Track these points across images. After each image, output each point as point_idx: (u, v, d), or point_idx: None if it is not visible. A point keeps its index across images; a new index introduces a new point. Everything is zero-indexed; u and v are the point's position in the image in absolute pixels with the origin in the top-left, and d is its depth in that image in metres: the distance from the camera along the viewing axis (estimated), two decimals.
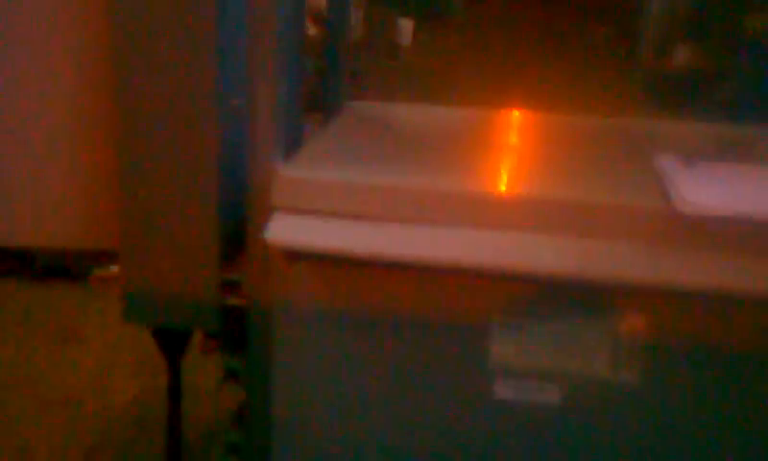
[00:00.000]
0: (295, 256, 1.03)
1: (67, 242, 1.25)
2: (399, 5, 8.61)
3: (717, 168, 1.05)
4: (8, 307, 3.31)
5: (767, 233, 0.91)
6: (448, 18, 10.22)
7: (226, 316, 1.13)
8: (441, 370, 1.05)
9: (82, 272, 3.50)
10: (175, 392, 1.26)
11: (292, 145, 1.12)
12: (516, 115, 1.47)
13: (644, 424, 1.02)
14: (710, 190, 0.95)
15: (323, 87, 1.38)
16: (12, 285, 3.49)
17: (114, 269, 1.16)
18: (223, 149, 1.08)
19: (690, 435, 1.01)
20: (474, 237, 0.97)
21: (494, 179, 1.08)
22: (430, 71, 7.43)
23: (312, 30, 6.43)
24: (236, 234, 1.09)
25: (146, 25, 1.02)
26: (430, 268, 0.99)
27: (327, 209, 1.00)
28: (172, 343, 1.23)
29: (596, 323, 0.99)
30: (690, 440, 1.01)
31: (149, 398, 2.52)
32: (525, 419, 1.04)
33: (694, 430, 1.01)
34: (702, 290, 0.93)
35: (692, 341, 0.98)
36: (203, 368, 1.58)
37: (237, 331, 1.14)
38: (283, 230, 1.00)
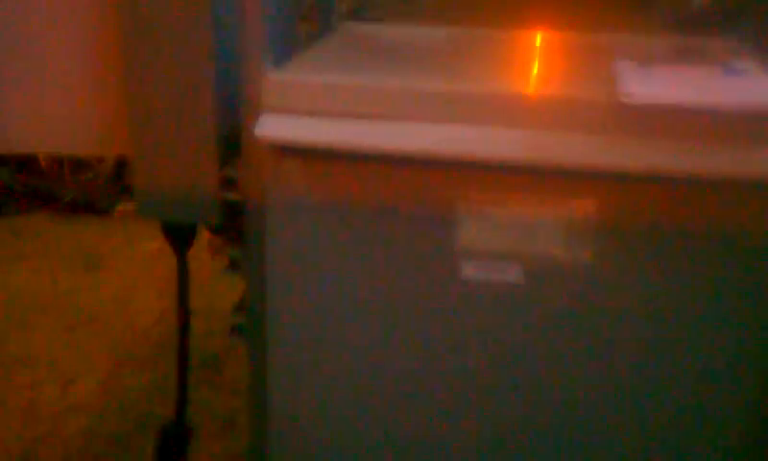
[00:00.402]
0: (283, 152, 1.15)
1: (85, 149, 1.38)
2: None
3: (669, 69, 1.14)
4: (37, 239, 3.48)
5: (705, 121, 1.00)
6: None
7: (225, 210, 1.26)
8: (415, 254, 1.17)
9: (106, 206, 3.68)
10: (183, 280, 1.40)
11: (284, 54, 1.23)
12: (500, 33, 1.56)
13: (598, 299, 1.13)
14: (656, 85, 1.05)
15: (318, 5, 1.47)
16: (41, 219, 3.67)
17: None
18: (219, 57, 1.19)
19: (639, 309, 1.13)
20: (444, 131, 1.08)
21: (465, 80, 1.18)
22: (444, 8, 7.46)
23: None
24: (234, 136, 1.21)
25: None
26: (404, 159, 1.10)
27: (313, 109, 1.11)
28: (179, 236, 1.37)
29: (553, 207, 1.10)
30: (639, 313, 1.13)
31: (171, 319, 2.67)
32: (490, 298, 1.16)
33: (643, 304, 1.12)
34: (645, 174, 1.03)
35: (638, 222, 1.09)
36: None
37: (237, 225, 1.27)
38: (271, 128, 1.11)
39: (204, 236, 1.61)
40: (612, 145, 1.03)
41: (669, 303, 1.11)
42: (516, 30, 1.55)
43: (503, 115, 1.07)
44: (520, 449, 1.22)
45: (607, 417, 1.18)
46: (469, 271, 1.16)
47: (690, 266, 1.10)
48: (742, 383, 1.13)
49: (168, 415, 1.55)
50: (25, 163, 3.61)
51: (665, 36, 1.39)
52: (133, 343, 2.68)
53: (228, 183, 1.25)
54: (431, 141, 1.08)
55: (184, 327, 1.43)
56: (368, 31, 1.56)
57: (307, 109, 1.11)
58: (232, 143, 1.22)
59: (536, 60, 1.36)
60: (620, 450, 1.19)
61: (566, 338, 1.16)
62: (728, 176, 1.02)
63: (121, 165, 3.44)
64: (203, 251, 1.54)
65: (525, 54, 1.41)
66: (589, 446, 1.20)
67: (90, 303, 2.99)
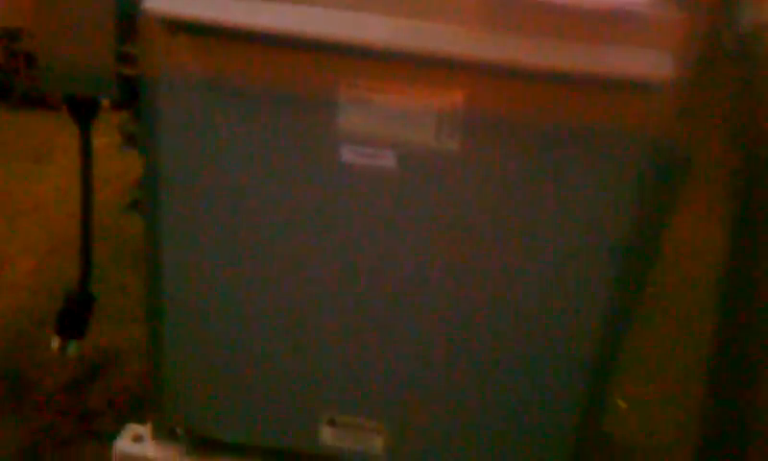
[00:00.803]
0: (173, 28, 1.19)
1: None
2: None
3: None
4: None
5: (557, 17, 1.05)
6: None
7: (124, 85, 1.31)
8: (298, 136, 1.23)
9: (57, 102, 3.69)
10: (86, 153, 1.46)
11: None
12: None
13: (462, 185, 1.20)
14: None
15: None
16: None
17: None
18: None
19: (499, 196, 1.20)
20: (325, 14, 1.13)
21: None
22: None
23: None
24: (133, 14, 1.25)
25: None
26: (288, 41, 1.15)
27: None
28: (81, 110, 1.42)
29: (424, 96, 1.16)
30: (498, 200, 1.20)
31: (108, 208, 2.72)
32: (366, 181, 1.23)
33: (502, 192, 1.19)
34: (507, 67, 1.09)
35: (500, 114, 1.15)
36: None
37: (135, 100, 1.32)
38: (160, 3, 1.16)
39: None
40: (478, 37, 1.09)
41: (526, 192, 1.18)
42: None
43: (377, 3, 1.12)
44: (390, 324, 1.31)
45: (463, 295, 1.26)
46: (348, 155, 1.23)
47: (546, 158, 1.17)
48: (591, 270, 1.21)
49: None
50: None
51: None
52: (71, 230, 2.72)
53: (127, 59, 1.28)
54: (312, 23, 1.13)
55: (87, 199, 1.48)
56: None
57: None
58: (132, 19, 1.25)
59: None
60: (478, 329, 1.28)
61: (433, 221, 1.23)
62: (582, 73, 1.07)
63: None
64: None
65: None
66: (448, 320, 1.29)
67: (35, 193, 3.05)
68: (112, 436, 1.58)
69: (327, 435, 1.45)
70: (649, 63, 1.05)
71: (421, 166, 1.20)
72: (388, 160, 1.21)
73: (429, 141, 1.19)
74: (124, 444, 1.56)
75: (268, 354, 1.40)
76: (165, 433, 1.53)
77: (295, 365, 1.40)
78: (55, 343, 1.67)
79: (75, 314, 1.62)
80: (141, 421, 1.58)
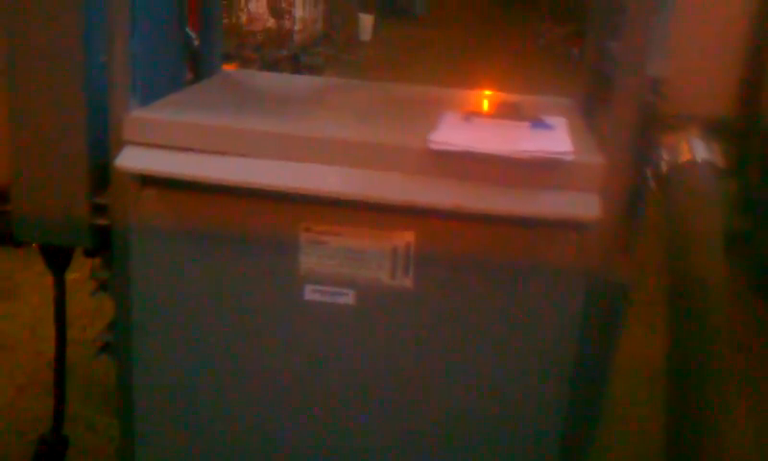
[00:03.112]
0: (143, 182, 1.29)
1: None
2: (361, 0, 8.86)
3: (486, 122, 1.31)
4: None
5: (496, 165, 1.17)
6: (409, 15, 10.49)
7: (98, 235, 1.39)
8: (263, 278, 1.31)
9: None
10: (60, 299, 1.52)
11: (160, 94, 1.38)
12: (365, 84, 1.73)
13: (418, 321, 1.29)
14: (461, 134, 1.21)
15: (197, 54, 1.62)
16: None
17: None
18: (93, 96, 1.33)
19: (451, 326, 1.28)
20: (283, 167, 1.23)
21: (308, 124, 1.34)
22: (388, 66, 7.71)
23: (270, 22, 6.60)
24: (106, 167, 1.34)
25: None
26: (249, 192, 1.24)
27: (169, 144, 1.26)
28: (56, 258, 1.49)
29: (378, 238, 1.26)
30: (451, 330, 1.28)
31: (76, 348, 2.75)
32: (328, 317, 1.31)
33: (454, 323, 1.28)
34: (450, 210, 1.19)
35: (448, 252, 1.25)
36: None
37: (107, 247, 1.40)
38: (130, 159, 1.25)
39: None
40: (423, 184, 1.19)
41: (476, 322, 1.27)
42: (383, 82, 1.72)
43: (334, 156, 1.22)
44: (342, 449, 1.36)
45: (420, 415, 1.33)
46: (311, 294, 1.31)
47: (493, 293, 1.26)
48: (542, 394, 1.29)
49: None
50: None
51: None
52: (38, 369, 2.74)
53: (100, 210, 1.37)
54: (271, 176, 1.23)
55: (61, 343, 1.54)
56: (241, 77, 1.72)
57: (164, 143, 1.26)
58: (105, 173, 1.35)
59: (380, 109, 1.52)
60: (437, 454, 1.34)
61: (392, 352, 1.31)
62: (518, 215, 1.18)
63: None
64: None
65: (375, 104, 1.57)
66: (410, 442, 1.35)
67: (3, 331, 3.06)
68: None
69: None
70: (579, 205, 1.15)
71: (379, 302, 1.29)
72: (348, 298, 1.30)
73: (385, 279, 1.28)
74: None
75: None
76: None
77: None
78: None
79: (49, 458, 1.64)
80: None
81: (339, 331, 1.31)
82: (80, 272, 1.53)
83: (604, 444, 1.65)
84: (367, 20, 8.47)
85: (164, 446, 1.43)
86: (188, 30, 1.63)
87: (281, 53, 6.33)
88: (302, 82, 1.82)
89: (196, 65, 1.64)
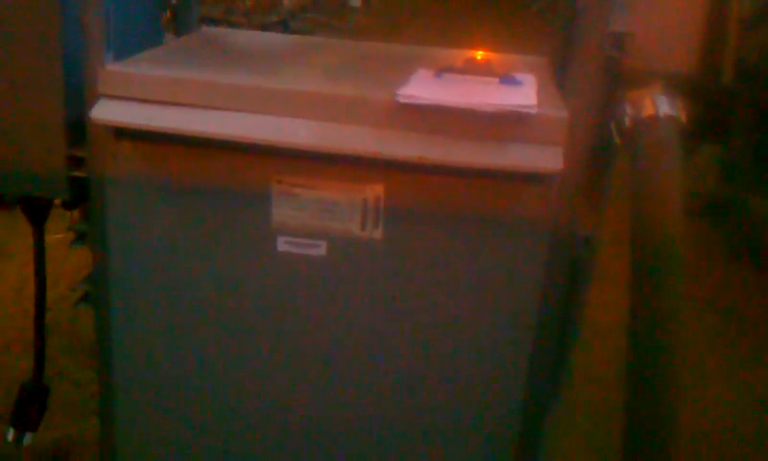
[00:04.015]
0: (118, 135, 1.31)
1: None
2: None
3: (457, 78, 1.34)
4: None
5: (462, 118, 1.19)
6: None
7: (75, 187, 1.41)
8: (237, 229, 1.34)
9: (10, 201, 3.76)
10: (39, 251, 1.55)
11: (136, 49, 1.40)
12: (343, 42, 1.75)
13: (387, 272, 1.32)
14: (430, 88, 1.24)
15: (176, 13, 1.64)
16: None
17: None
18: (71, 51, 1.35)
19: (420, 279, 1.31)
20: (255, 120, 1.25)
21: (279, 78, 1.36)
22: (379, 32, 7.68)
23: None
24: (82, 121, 1.36)
25: None
26: (222, 144, 1.27)
27: (143, 97, 1.28)
28: (35, 211, 1.52)
29: (348, 191, 1.29)
30: (421, 283, 1.32)
31: (63, 305, 2.78)
32: (301, 268, 1.34)
33: (423, 275, 1.31)
34: (416, 163, 1.22)
35: (416, 204, 1.28)
36: None
37: (85, 200, 1.43)
38: (105, 112, 1.28)
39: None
40: (391, 137, 1.22)
41: (442, 274, 1.30)
42: (359, 41, 1.74)
43: (306, 109, 1.25)
44: (321, 404, 1.40)
45: (386, 364, 1.37)
46: (284, 245, 1.34)
47: (460, 244, 1.29)
48: (508, 344, 1.32)
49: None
50: None
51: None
52: (25, 327, 2.77)
53: (77, 162, 1.39)
54: (243, 128, 1.25)
55: (40, 294, 1.57)
56: (219, 35, 1.74)
57: (138, 96, 1.28)
58: (82, 126, 1.37)
59: (356, 66, 1.55)
60: (400, 403, 1.38)
61: (363, 304, 1.34)
62: (482, 167, 1.21)
63: None
64: None
65: (351, 61, 1.59)
66: (378, 390, 1.38)
67: None
68: None
69: None
70: (542, 157, 1.18)
71: (350, 254, 1.32)
72: (320, 249, 1.33)
73: (355, 231, 1.31)
74: None
75: (219, 436, 1.48)
76: None
77: (242, 441, 1.47)
78: (10, 435, 1.72)
79: (30, 406, 1.68)
80: None
81: (311, 282, 1.34)
82: (63, 233, 1.56)
83: (571, 398, 1.69)
84: None
85: (142, 397, 1.47)
86: None
87: (270, 18, 6.31)
88: (280, 39, 1.84)
89: (175, 25, 1.66)
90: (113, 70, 1.29)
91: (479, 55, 1.52)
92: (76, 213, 1.55)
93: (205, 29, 1.72)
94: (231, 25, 5.77)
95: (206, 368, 1.42)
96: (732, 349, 3.04)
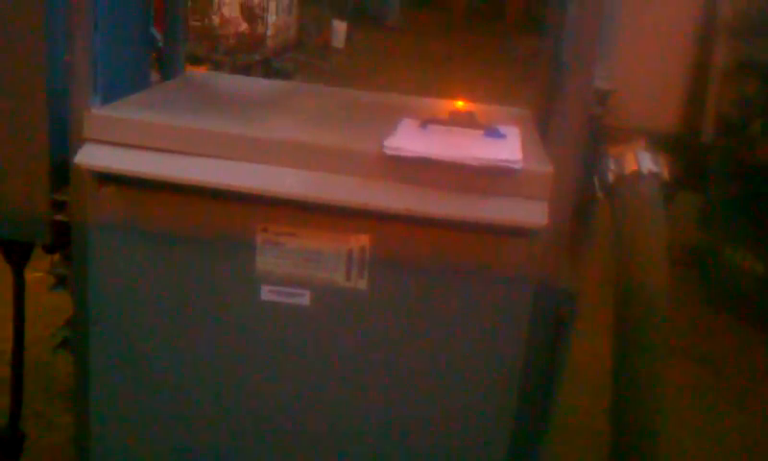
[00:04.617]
0: (101, 179, 1.31)
1: None
2: (334, 7, 8.89)
3: (441, 130, 1.35)
4: None
5: (448, 171, 1.20)
6: (383, 24, 10.53)
7: (57, 231, 1.40)
8: (220, 277, 1.33)
9: None
10: (19, 294, 1.53)
11: (122, 93, 1.40)
12: (329, 89, 1.76)
13: (371, 320, 1.32)
14: (416, 140, 1.25)
15: (162, 55, 1.64)
16: None
17: None
18: (56, 95, 1.34)
19: (406, 330, 1.31)
20: (238, 168, 1.25)
21: (264, 126, 1.36)
22: (360, 74, 7.75)
23: (243, 26, 6.61)
24: (66, 164, 1.36)
25: None
26: (205, 191, 1.26)
27: (127, 142, 1.28)
28: (16, 253, 1.50)
29: (334, 240, 1.29)
30: (406, 334, 1.31)
31: (38, 347, 2.74)
32: (284, 317, 1.33)
33: (406, 324, 1.31)
34: (402, 214, 1.22)
35: (401, 255, 1.28)
36: None
37: (67, 244, 1.41)
38: (88, 157, 1.27)
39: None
40: (377, 188, 1.22)
41: (427, 325, 1.30)
42: (347, 89, 1.75)
43: (292, 158, 1.25)
44: (297, 447, 1.38)
45: (372, 415, 1.36)
46: (267, 294, 1.33)
47: (444, 296, 1.29)
48: (491, 396, 1.32)
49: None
50: None
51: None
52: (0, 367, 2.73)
53: (60, 206, 1.38)
54: (229, 176, 1.25)
55: (18, 338, 1.55)
56: (205, 79, 1.74)
57: (124, 141, 1.27)
58: (65, 170, 1.36)
59: (340, 115, 1.55)
60: (389, 454, 1.37)
61: (346, 352, 1.34)
62: (468, 220, 1.21)
63: None
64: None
65: (336, 109, 1.60)
66: (361, 440, 1.37)
67: None
68: None
69: None
70: (527, 212, 1.19)
71: (334, 304, 1.31)
72: (303, 299, 1.32)
73: (340, 281, 1.30)
74: None
75: None
76: None
77: None
78: None
79: (5, 453, 1.64)
80: None
81: (294, 331, 1.33)
82: (42, 271, 1.54)
83: (554, 449, 1.69)
84: (340, 28, 8.50)
85: (120, 443, 1.44)
86: (153, 30, 1.65)
87: (253, 57, 6.34)
88: (265, 85, 1.85)
89: (161, 67, 1.66)
90: (99, 114, 1.28)
91: (463, 105, 1.53)
92: (56, 256, 1.53)
93: (190, 72, 1.72)
94: (214, 63, 5.78)
95: (186, 416, 1.40)
96: (707, 397, 3.05)
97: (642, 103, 1.26)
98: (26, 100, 1.33)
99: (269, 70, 6.48)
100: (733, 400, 3.01)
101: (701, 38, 1.25)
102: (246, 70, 6.07)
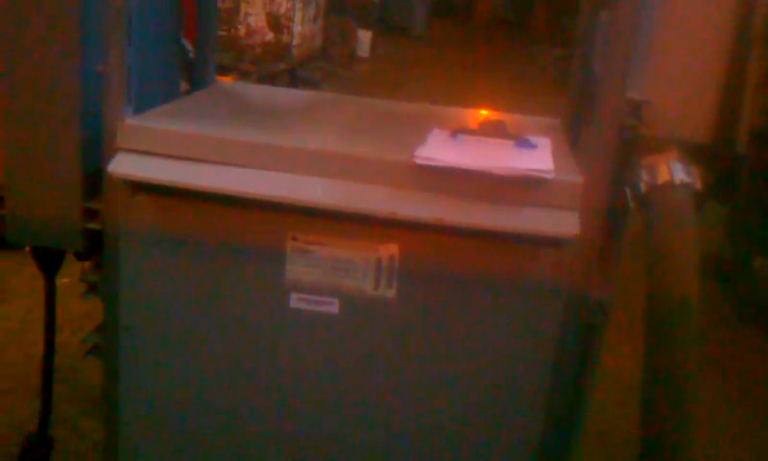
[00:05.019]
0: (134, 188, 1.32)
1: None
2: (359, 17, 8.94)
3: (472, 139, 1.35)
4: None
5: (479, 181, 1.20)
6: (408, 34, 10.57)
7: (89, 239, 1.41)
8: (250, 285, 1.34)
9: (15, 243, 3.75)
10: (50, 301, 1.54)
11: (155, 102, 1.41)
12: (358, 99, 1.77)
13: (400, 331, 1.31)
14: (446, 150, 1.25)
15: (192, 65, 1.66)
16: None
17: None
18: (89, 105, 1.36)
19: (434, 339, 1.31)
20: (272, 178, 1.26)
21: (297, 136, 1.37)
22: (385, 83, 7.77)
23: (269, 36, 6.67)
24: (98, 173, 1.37)
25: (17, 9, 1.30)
26: (238, 201, 1.27)
27: (161, 152, 1.29)
28: (48, 261, 1.51)
29: (363, 249, 1.29)
30: (434, 343, 1.31)
31: (66, 351, 2.76)
32: (313, 325, 1.33)
33: (435, 333, 1.30)
34: (431, 224, 1.22)
35: (430, 264, 1.28)
36: None
37: (98, 252, 1.43)
38: (122, 166, 1.28)
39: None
40: (407, 198, 1.22)
41: (455, 335, 1.30)
42: (374, 99, 1.76)
43: (322, 167, 1.25)
44: (327, 455, 1.38)
45: (400, 423, 1.36)
46: (296, 302, 1.34)
47: (473, 305, 1.29)
48: (512, 404, 1.31)
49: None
50: None
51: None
52: (27, 373, 2.75)
53: (92, 214, 1.40)
54: (260, 185, 1.26)
55: (49, 345, 1.56)
56: (235, 89, 1.76)
57: (156, 151, 1.28)
58: (98, 179, 1.37)
59: (370, 124, 1.56)
60: (412, 453, 1.37)
61: (374, 360, 1.34)
62: (497, 230, 1.21)
63: None
64: None
65: (366, 119, 1.61)
66: (390, 449, 1.37)
67: None
68: None
69: None
70: (558, 222, 1.18)
71: (362, 312, 1.31)
72: (332, 307, 1.32)
73: (369, 290, 1.30)
74: None
75: None
76: None
77: None
78: None
79: (34, 458, 1.66)
80: None
81: (323, 339, 1.33)
82: (71, 277, 1.55)
83: (582, 457, 1.67)
84: (365, 37, 8.54)
85: (148, 451, 1.45)
86: (184, 41, 1.66)
87: (279, 67, 6.37)
88: (294, 95, 1.87)
89: (191, 77, 1.67)
90: (133, 124, 1.30)
91: (492, 115, 1.53)
92: (87, 263, 1.54)
93: (220, 82, 1.74)
94: (241, 72, 5.82)
95: (215, 423, 1.40)
96: (735, 410, 3.02)
97: (675, 113, 1.25)
98: (60, 110, 1.35)
99: (294, 79, 6.52)
100: (759, 411, 2.97)
101: (735, 48, 1.23)
102: (272, 79, 6.11)
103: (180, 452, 1.44)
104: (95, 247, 1.41)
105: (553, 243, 1.22)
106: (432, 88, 7.35)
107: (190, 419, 1.42)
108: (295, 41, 6.87)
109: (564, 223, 1.18)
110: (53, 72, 1.33)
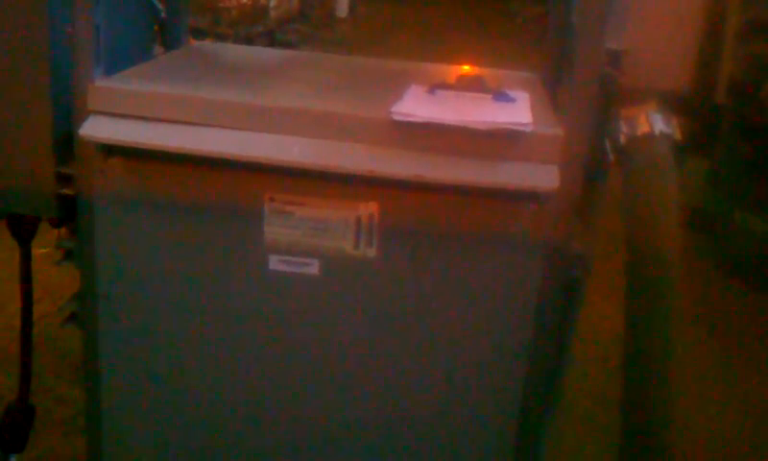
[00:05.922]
0: (107, 152, 1.29)
1: None
2: None
3: (450, 95, 1.33)
4: None
5: (457, 136, 1.18)
6: None
7: (63, 204, 1.39)
8: (228, 247, 1.32)
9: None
10: (26, 269, 1.52)
11: (126, 65, 1.39)
12: (333, 57, 1.74)
13: (381, 291, 1.31)
14: (424, 106, 1.23)
15: (165, 26, 1.62)
16: None
17: None
18: (58, 67, 1.33)
19: (415, 297, 1.30)
20: (245, 137, 1.24)
21: (270, 94, 1.34)
22: (365, 44, 7.69)
23: None
24: (70, 137, 1.34)
25: None
26: (212, 161, 1.25)
27: (132, 114, 1.26)
28: (22, 228, 1.49)
29: (342, 208, 1.27)
30: (415, 302, 1.30)
31: (48, 321, 2.74)
32: (293, 287, 1.32)
33: (418, 293, 1.30)
34: (410, 180, 1.20)
35: (410, 222, 1.26)
36: None
37: (73, 218, 1.40)
38: (93, 129, 1.26)
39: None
40: (385, 155, 1.21)
41: (436, 292, 1.29)
42: (353, 57, 1.73)
43: (298, 126, 1.23)
44: (309, 418, 1.38)
45: (382, 381, 1.36)
46: (275, 264, 1.32)
47: (454, 262, 1.28)
48: (494, 359, 1.31)
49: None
50: None
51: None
52: (9, 343, 2.73)
53: (65, 180, 1.37)
54: (236, 146, 1.24)
55: (27, 313, 1.54)
56: (209, 49, 1.72)
57: (128, 113, 1.26)
58: (70, 143, 1.35)
59: (347, 82, 1.53)
60: (399, 419, 1.37)
61: (356, 323, 1.33)
62: (478, 185, 1.20)
63: None
64: None
65: (342, 76, 1.58)
66: (371, 410, 1.37)
67: None
68: None
69: None
70: (538, 176, 1.17)
71: (343, 272, 1.30)
72: (312, 268, 1.31)
73: (349, 250, 1.29)
74: None
75: (208, 456, 1.45)
76: None
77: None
78: None
79: (16, 427, 1.65)
80: None
81: (303, 301, 1.32)
82: (50, 247, 1.53)
83: (564, 416, 1.68)
84: None
85: (130, 416, 1.44)
86: (155, 1, 1.63)
87: (256, 29, 6.29)
88: (270, 54, 1.83)
89: (164, 39, 1.64)
90: (103, 86, 1.27)
91: (470, 70, 1.51)
92: (63, 230, 1.52)
93: (194, 43, 1.70)
94: (217, 35, 5.74)
95: (195, 387, 1.40)
96: (716, 362, 3.04)
97: (654, 63, 1.23)
98: (28, 73, 1.32)
99: (272, 42, 6.44)
100: (743, 365, 3.00)
101: None
102: (249, 42, 6.03)
103: (163, 418, 1.43)
104: (70, 213, 1.39)
105: (533, 197, 1.21)
106: (412, 47, 7.29)
107: (172, 384, 1.41)
108: (272, 3, 6.77)
109: (544, 177, 1.17)
110: (20, 34, 1.29)
